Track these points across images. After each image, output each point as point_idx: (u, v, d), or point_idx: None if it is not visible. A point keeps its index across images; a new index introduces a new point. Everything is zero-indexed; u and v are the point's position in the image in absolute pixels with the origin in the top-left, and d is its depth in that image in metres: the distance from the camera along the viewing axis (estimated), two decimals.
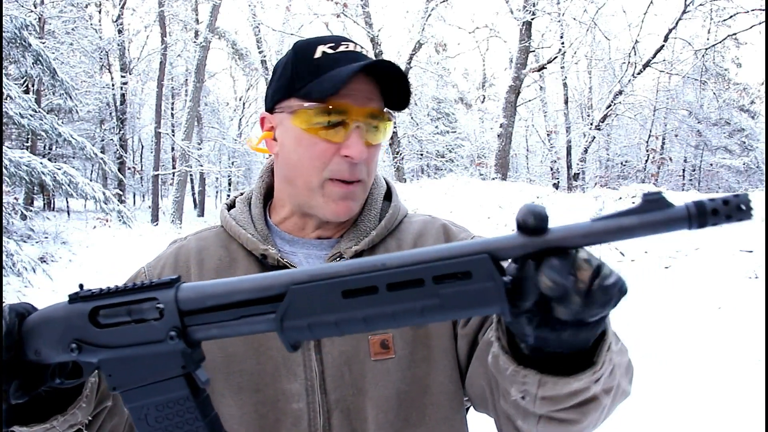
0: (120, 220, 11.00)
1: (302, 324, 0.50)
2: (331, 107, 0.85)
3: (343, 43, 0.90)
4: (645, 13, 20.07)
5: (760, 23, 18.45)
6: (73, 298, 0.59)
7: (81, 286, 0.60)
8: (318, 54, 0.88)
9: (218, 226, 1.01)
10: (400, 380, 0.88)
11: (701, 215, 0.47)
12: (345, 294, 0.48)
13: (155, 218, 20.40)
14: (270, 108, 0.93)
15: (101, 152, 14.31)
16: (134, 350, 0.56)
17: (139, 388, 0.56)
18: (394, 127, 21.59)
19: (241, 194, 1.05)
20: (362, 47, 0.92)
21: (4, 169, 8.09)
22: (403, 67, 21.55)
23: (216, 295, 0.54)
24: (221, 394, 0.89)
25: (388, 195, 1.05)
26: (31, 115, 9.71)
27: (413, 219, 1.04)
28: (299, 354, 0.89)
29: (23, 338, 0.61)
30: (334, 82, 0.83)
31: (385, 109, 0.92)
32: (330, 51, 0.88)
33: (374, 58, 0.88)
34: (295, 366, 0.89)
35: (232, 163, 31.23)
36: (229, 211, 1.01)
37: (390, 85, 0.90)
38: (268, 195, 1.02)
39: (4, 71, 10.05)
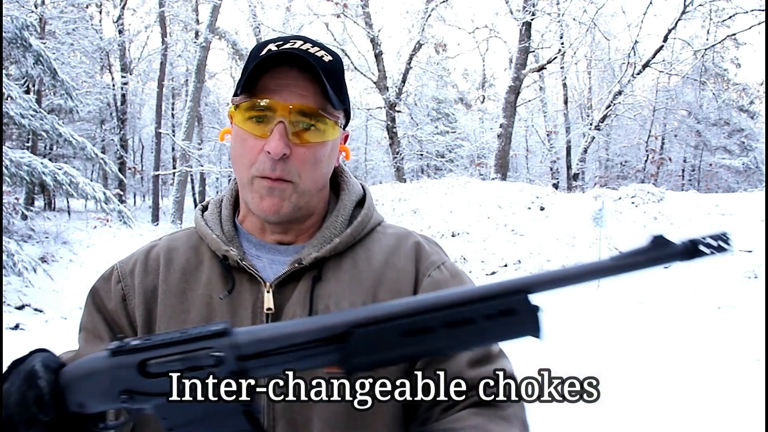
0: (120, 220, 11.01)
1: (366, 360, 0.57)
2: (256, 102, 0.84)
3: (291, 40, 0.87)
4: (644, 14, 20.09)
5: (759, 23, 18.46)
6: (117, 352, 0.62)
7: (121, 338, 0.64)
8: (264, 51, 0.86)
9: (192, 228, 1.01)
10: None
11: (695, 249, 0.56)
12: (405, 334, 0.56)
13: (156, 218, 20.42)
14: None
15: (102, 152, 14.31)
16: None
17: (198, 426, 0.60)
18: (394, 128, 21.58)
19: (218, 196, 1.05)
20: (314, 44, 0.87)
21: (4, 169, 8.10)
22: (403, 68, 21.62)
23: (274, 338, 0.59)
24: None
25: (362, 203, 1.00)
26: (31, 116, 9.72)
27: (387, 231, 0.98)
28: None
29: (63, 394, 0.64)
30: (249, 75, 0.83)
31: (328, 109, 0.86)
32: (274, 48, 0.85)
33: (309, 55, 0.84)
34: None
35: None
36: (203, 213, 1.01)
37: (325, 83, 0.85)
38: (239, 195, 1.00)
39: (4, 71, 10.06)
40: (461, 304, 0.56)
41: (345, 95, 0.91)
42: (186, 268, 0.94)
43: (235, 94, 0.90)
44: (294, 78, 0.84)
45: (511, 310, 0.55)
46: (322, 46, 0.88)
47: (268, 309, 0.87)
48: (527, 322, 0.55)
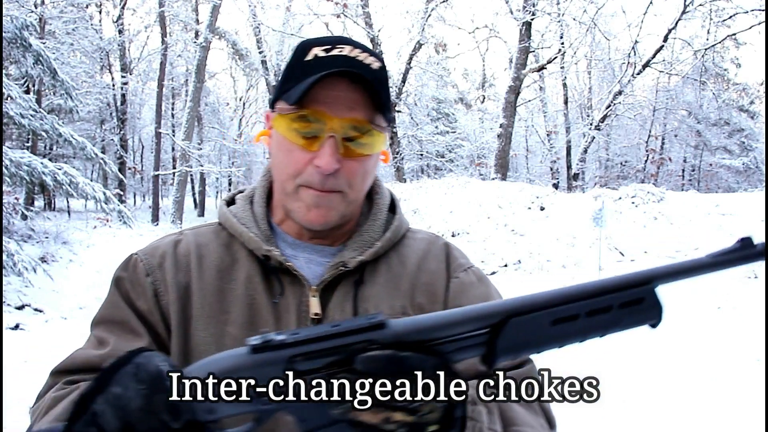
0: (120, 220, 11.03)
1: (514, 348, 0.60)
2: (306, 114, 0.82)
3: (338, 46, 0.84)
4: (645, 14, 20.10)
5: (759, 23, 18.47)
6: (260, 348, 0.58)
7: (263, 333, 0.59)
8: (310, 56, 0.84)
9: (216, 224, 0.97)
10: None
11: None
12: (554, 322, 0.60)
13: (156, 218, 20.42)
14: (272, 106, 0.91)
15: (102, 152, 14.32)
16: None
17: (337, 430, 0.56)
18: (394, 128, 21.58)
19: (242, 191, 1.02)
20: (362, 50, 0.85)
21: (4, 169, 8.10)
22: (403, 68, 21.63)
23: (433, 329, 0.59)
24: None
25: (392, 208, 1.02)
26: (31, 116, 9.72)
27: (417, 235, 1.01)
28: None
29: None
30: (302, 88, 0.80)
31: (376, 120, 0.85)
32: (322, 54, 0.83)
33: (358, 64, 0.82)
34: None
35: (233, 163, 31.26)
36: (228, 207, 0.97)
37: (377, 94, 0.83)
38: (271, 194, 0.98)
39: (4, 71, 10.06)
40: (602, 293, 0.62)
41: (390, 102, 0.89)
42: (220, 266, 0.91)
43: (276, 97, 0.88)
44: (344, 90, 0.82)
45: (640, 299, 0.63)
46: (369, 51, 0.86)
47: (316, 314, 0.86)
48: (652, 310, 0.63)
